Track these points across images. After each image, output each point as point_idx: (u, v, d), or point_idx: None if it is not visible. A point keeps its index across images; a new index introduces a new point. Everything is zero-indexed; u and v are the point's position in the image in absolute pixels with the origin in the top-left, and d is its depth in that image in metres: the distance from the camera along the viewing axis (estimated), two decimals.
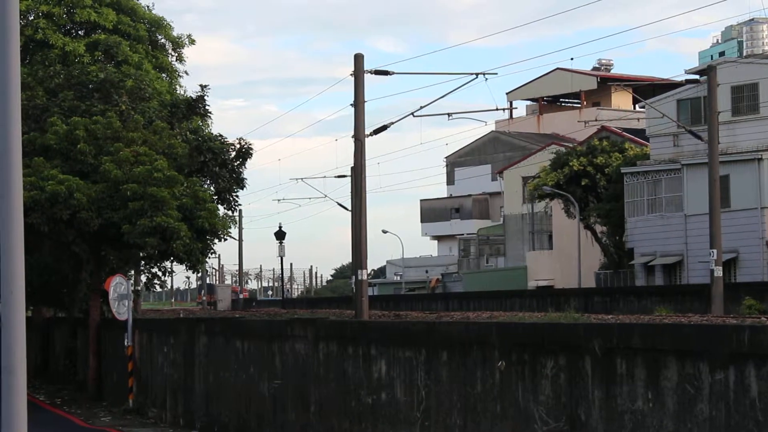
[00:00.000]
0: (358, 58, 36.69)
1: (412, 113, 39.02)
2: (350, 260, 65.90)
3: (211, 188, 36.13)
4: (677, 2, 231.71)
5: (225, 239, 35.85)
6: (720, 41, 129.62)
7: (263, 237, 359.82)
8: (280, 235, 75.96)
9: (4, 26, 5.98)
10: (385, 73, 37.49)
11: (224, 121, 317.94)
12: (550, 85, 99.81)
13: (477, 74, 37.54)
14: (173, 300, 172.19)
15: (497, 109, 43.91)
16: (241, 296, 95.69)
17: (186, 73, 46.80)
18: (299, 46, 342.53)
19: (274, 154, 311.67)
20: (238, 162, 36.95)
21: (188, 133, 36.19)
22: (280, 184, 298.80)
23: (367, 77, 36.82)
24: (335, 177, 68.96)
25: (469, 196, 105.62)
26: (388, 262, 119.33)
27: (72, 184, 31.55)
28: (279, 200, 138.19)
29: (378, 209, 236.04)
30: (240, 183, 37.15)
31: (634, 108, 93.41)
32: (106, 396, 34.59)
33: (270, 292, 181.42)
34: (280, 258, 77.05)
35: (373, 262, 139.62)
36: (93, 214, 31.63)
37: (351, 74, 36.63)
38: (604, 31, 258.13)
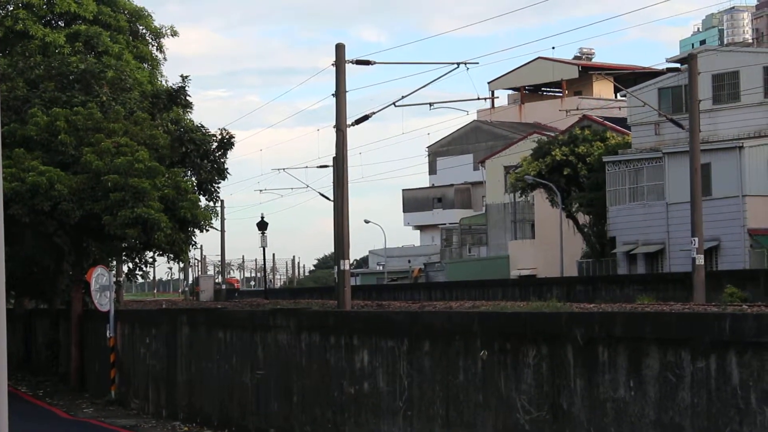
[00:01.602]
0: (340, 48, 36.64)
1: (394, 103, 39.00)
2: (332, 250, 65.82)
3: (193, 179, 36.03)
4: None
5: (207, 230, 35.79)
6: (701, 30, 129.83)
7: (245, 228, 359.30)
8: (262, 225, 75.85)
9: None
10: (367, 62, 37.43)
11: (206, 112, 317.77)
12: (532, 74, 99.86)
13: (459, 64, 37.58)
14: (155, 291, 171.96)
15: (479, 99, 44.06)
16: (224, 286, 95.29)
17: (165, 59, 46.53)
18: (283, 35, 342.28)
19: (256, 145, 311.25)
20: (220, 153, 36.87)
21: (169, 123, 36.08)
22: (262, 174, 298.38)
23: (350, 67, 36.80)
24: (317, 167, 68.84)
25: (451, 185, 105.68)
26: (370, 252, 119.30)
27: (53, 176, 31.45)
28: (261, 191, 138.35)
29: (360, 199, 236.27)
30: (222, 174, 37.04)
31: (616, 97, 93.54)
32: (88, 387, 34.52)
33: (252, 283, 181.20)
34: (262, 248, 76.92)
35: (356, 252, 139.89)
36: (74, 206, 31.53)
37: (333, 64, 36.57)
38: (585, 19, 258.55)
